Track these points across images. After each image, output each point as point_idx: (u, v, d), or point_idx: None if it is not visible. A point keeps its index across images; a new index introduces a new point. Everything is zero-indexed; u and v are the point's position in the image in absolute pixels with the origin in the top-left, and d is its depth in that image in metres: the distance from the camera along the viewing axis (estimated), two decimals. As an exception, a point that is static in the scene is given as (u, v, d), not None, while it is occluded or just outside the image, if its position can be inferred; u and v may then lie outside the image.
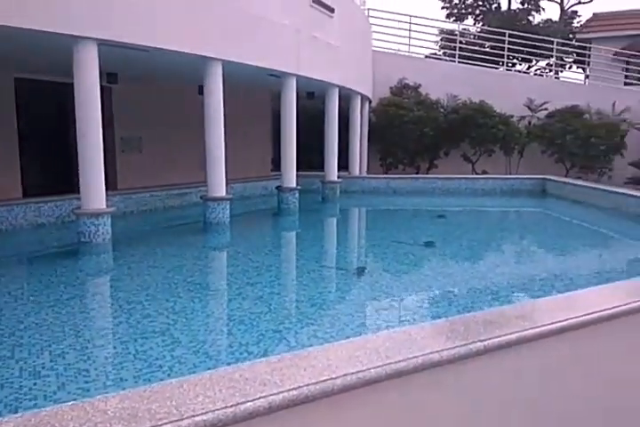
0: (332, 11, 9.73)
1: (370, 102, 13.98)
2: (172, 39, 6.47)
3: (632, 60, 17.21)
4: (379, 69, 13.99)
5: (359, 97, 12.05)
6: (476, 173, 14.17)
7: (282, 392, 1.45)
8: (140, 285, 4.80)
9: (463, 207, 11.05)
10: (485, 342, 2.07)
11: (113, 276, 5.52)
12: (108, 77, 8.39)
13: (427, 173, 14.40)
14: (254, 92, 11.85)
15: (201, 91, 7.64)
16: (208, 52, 6.99)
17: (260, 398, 1.41)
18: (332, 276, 5.46)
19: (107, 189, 6.46)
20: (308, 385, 1.52)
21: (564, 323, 2.28)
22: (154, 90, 9.65)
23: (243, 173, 11.10)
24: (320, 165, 10.73)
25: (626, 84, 16.77)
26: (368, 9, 14.68)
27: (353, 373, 1.63)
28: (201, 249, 6.88)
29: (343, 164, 11.82)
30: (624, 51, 17.79)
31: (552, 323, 2.25)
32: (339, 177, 10.77)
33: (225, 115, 7.51)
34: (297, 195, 9.15)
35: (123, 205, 8.33)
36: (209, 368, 1.78)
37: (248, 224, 8.80)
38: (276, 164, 10.37)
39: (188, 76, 8.42)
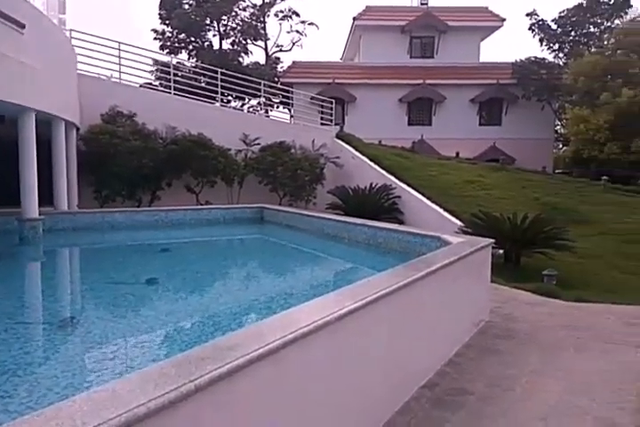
0: (23, 26, 8.54)
1: (78, 130, 12.74)
2: None
3: (325, 104, 20.45)
4: (87, 95, 12.89)
5: (63, 123, 10.82)
6: (200, 204, 14.37)
7: None
8: None
9: (188, 239, 10.96)
10: (196, 382, 1.96)
11: None
12: None
13: (149, 206, 13.89)
14: None
15: None
16: None
17: None
18: (31, 333, 4.55)
19: None
20: None
21: (272, 345, 2.35)
22: None
23: None
24: (17, 201, 9.09)
25: (322, 124, 19.76)
26: (70, 30, 13.52)
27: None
28: None
29: (48, 198, 10.33)
30: (318, 96, 21.04)
31: (260, 347, 2.29)
32: (41, 213, 9.29)
33: None
34: (-18, 238, 7.47)
35: None
36: None
37: None
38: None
39: None
